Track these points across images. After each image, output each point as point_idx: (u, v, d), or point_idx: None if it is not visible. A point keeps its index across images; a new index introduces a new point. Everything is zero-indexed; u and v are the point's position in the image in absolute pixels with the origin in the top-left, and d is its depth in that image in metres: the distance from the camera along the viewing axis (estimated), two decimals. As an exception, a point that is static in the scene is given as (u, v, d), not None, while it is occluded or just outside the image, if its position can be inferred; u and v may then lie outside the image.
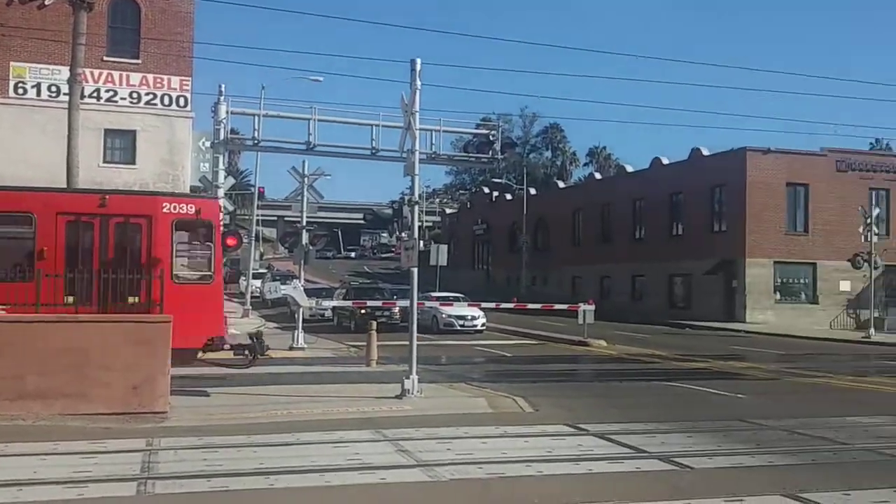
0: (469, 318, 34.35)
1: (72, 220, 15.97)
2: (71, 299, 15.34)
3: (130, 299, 15.64)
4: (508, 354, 27.04)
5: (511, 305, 34.61)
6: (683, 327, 40.64)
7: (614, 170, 75.16)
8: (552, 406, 14.67)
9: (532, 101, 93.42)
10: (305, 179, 30.80)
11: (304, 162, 30.46)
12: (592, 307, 30.12)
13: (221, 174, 24.84)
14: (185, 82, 34.75)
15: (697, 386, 18.43)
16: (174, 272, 16.08)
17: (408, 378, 15.47)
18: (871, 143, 74.45)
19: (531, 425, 12.65)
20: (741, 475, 9.29)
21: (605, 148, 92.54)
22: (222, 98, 23.76)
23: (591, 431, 12.01)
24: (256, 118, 24.00)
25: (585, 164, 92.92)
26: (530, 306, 34.33)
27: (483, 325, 34.59)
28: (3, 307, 13.81)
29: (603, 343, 29.91)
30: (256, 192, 51.09)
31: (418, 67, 16.13)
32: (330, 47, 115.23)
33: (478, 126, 32.25)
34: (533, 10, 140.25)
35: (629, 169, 59.62)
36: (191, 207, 16.60)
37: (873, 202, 40.06)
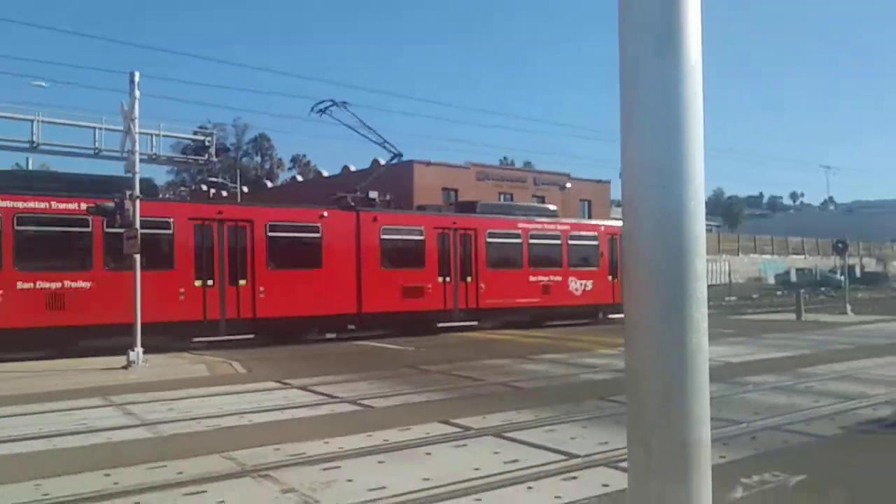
0: None
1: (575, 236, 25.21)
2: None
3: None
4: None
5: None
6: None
7: (313, 174, 74.82)
8: (264, 368, 14.37)
9: (245, 113, 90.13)
10: (30, 176, 27.26)
11: (28, 159, 26.96)
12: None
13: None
14: None
15: (379, 343, 19.07)
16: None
17: (133, 350, 14.31)
18: (500, 160, 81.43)
19: (244, 384, 12.28)
20: (409, 410, 9.75)
21: (305, 155, 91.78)
22: (-60, 96, 20.21)
23: (294, 385, 11.94)
24: (-22, 117, 20.79)
25: (290, 169, 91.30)
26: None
27: None
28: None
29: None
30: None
31: (136, 79, 14.93)
32: (58, 57, 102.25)
33: (195, 132, 30.49)
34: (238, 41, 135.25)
35: (325, 174, 59.82)
36: (602, 228, 25.97)
37: (502, 201, 44.15)
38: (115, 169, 17.44)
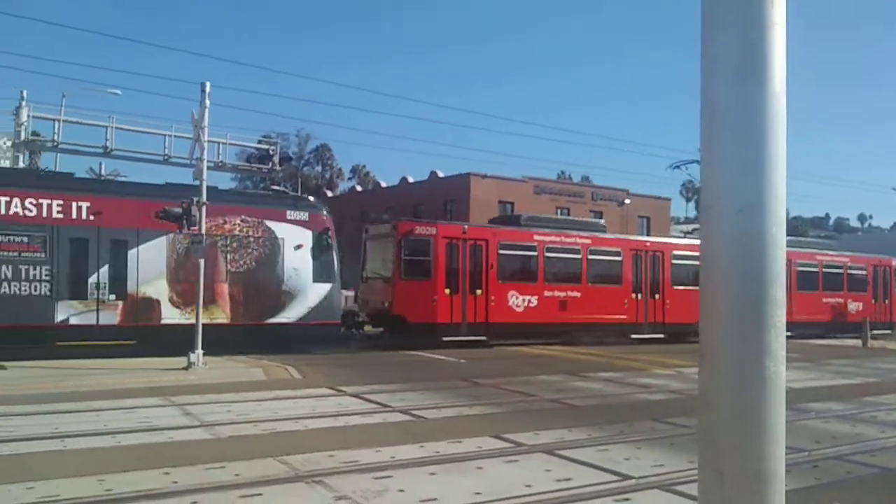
0: None
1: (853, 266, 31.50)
2: None
3: None
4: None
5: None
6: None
7: (371, 184, 75.70)
8: (318, 374, 14.55)
9: (307, 123, 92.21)
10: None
11: (101, 164, 28.02)
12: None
13: (21, 171, 22.22)
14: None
15: (432, 354, 19.09)
16: None
17: (193, 352, 14.68)
18: (558, 174, 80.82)
19: (299, 389, 12.47)
20: (461, 422, 9.74)
21: (364, 166, 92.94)
22: (23, 103, 21.25)
23: (348, 392, 12.05)
24: (57, 123, 21.73)
25: (349, 178, 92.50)
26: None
27: None
28: None
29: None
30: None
31: (208, 89, 15.41)
32: (130, 66, 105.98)
33: (259, 141, 31.18)
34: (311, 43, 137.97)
35: (383, 184, 60.47)
36: (869, 261, 32.08)
37: (559, 216, 43.82)
38: (184, 175, 18.02)
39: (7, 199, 15.79)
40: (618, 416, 10.41)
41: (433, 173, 50.65)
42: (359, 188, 73.71)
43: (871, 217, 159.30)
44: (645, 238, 27.64)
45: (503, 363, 17.75)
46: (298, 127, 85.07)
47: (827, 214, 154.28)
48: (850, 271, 31.38)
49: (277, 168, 25.79)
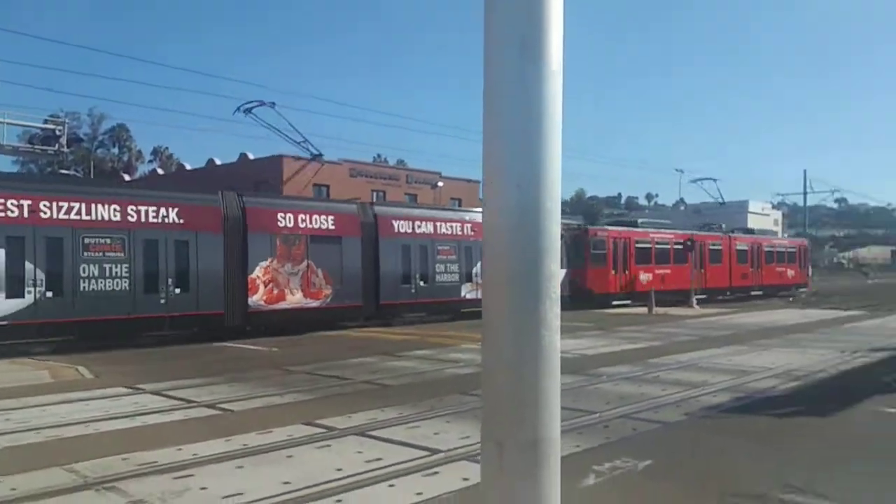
0: None
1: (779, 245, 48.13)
2: None
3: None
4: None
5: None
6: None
7: (175, 167, 71.12)
8: (113, 373, 13.39)
9: (101, 102, 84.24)
10: None
11: None
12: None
13: None
14: None
15: (242, 344, 18.37)
16: None
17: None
18: (374, 157, 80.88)
19: (91, 390, 11.39)
20: (272, 412, 9.43)
21: (167, 148, 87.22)
22: None
23: (147, 390, 11.22)
24: None
25: (150, 161, 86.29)
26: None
27: None
28: None
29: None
30: None
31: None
32: None
33: (45, 121, 28.03)
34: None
35: (188, 167, 57.04)
36: (796, 242, 49.76)
37: (374, 199, 43.92)
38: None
39: (442, 223, 25.79)
40: (429, 392, 10.64)
41: (243, 155, 48.63)
42: (160, 171, 68.97)
43: (657, 195, 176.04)
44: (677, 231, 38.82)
45: (318, 348, 17.48)
46: (92, 105, 77.80)
47: (619, 194, 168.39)
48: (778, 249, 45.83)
49: (65, 150, 23.43)
